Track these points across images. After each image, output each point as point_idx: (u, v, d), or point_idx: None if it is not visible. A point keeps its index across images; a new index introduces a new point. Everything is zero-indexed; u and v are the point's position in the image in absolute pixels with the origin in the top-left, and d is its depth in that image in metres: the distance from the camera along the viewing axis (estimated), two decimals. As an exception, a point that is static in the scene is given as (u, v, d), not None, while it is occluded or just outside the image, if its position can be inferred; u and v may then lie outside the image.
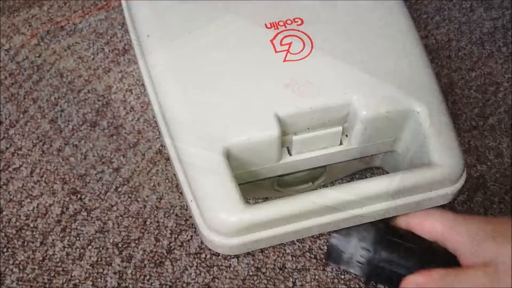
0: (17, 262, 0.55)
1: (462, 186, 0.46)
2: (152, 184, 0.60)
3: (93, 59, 0.69)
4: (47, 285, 0.54)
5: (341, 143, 0.47)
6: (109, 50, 0.69)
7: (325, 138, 0.46)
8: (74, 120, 0.63)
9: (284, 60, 0.46)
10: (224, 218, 0.41)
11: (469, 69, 0.70)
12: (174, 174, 0.60)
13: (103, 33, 0.71)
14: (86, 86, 0.66)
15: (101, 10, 0.73)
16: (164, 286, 0.54)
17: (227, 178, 0.41)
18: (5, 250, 0.55)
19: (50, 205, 0.58)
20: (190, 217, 0.58)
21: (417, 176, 0.44)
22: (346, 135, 0.47)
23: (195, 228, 0.46)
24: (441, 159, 0.44)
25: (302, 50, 0.47)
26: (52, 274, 0.54)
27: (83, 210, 0.58)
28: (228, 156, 0.42)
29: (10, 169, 0.60)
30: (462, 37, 0.72)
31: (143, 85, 0.66)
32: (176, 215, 0.58)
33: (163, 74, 0.46)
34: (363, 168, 0.57)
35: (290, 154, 0.46)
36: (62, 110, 0.64)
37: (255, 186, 0.49)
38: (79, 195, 0.58)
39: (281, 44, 0.47)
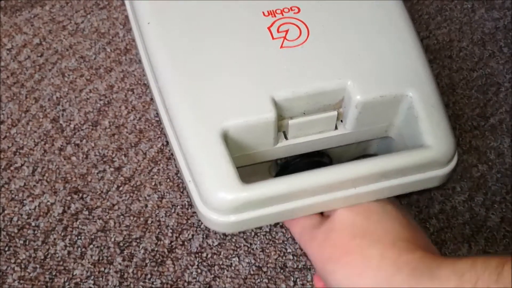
0: (18, 260, 0.55)
1: (453, 168, 0.47)
2: (153, 184, 0.60)
3: (94, 58, 0.69)
4: (48, 284, 0.54)
5: (336, 129, 0.48)
6: (110, 50, 0.69)
7: (320, 122, 0.47)
8: (76, 119, 0.64)
9: (281, 47, 0.47)
10: (221, 196, 0.42)
11: (470, 69, 0.70)
12: (177, 172, 0.60)
13: (104, 33, 0.71)
14: (88, 86, 0.66)
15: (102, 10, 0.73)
16: (165, 285, 0.54)
17: (225, 158, 0.43)
18: (6, 248, 0.55)
19: (51, 204, 0.58)
20: (191, 216, 0.58)
21: (410, 157, 0.45)
22: (341, 121, 0.48)
23: (194, 208, 0.46)
24: (433, 140, 0.45)
25: (298, 37, 0.48)
26: (54, 273, 0.54)
27: (85, 209, 0.58)
28: (226, 138, 0.44)
29: (12, 168, 0.60)
30: (463, 38, 0.72)
31: (144, 84, 0.66)
32: (178, 214, 0.58)
33: (163, 60, 0.47)
34: (359, 155, 0.58)
35: (286, 138, 0.47)
36: (64, 109, 0.64)
37: (251, 171, 0.49)
38: (80, 194, 0.59)
39: (278, 31, 0.48)
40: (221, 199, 0.42)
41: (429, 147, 0.45)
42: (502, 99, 0.67)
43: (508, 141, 0.64)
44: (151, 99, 0.65)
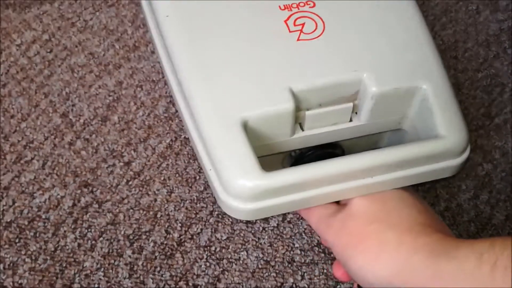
0: (29, 252, 0.55)
1: (466, 159, 0.48)
2: (162, 178, 0.60)
3: (103, 55, 0.69)
4: (59, 275, 0.54)
5: (351, 121, 0.49)
6: (119, 47, 0.70)
7: (336, 114, 0.48)
8: (85, 114, 0.64)
9: (298, 39, 0.48)
10: (242, 184, 0.43)
11: (475, 70, 0.70)
12: (186, 167, 0.60)
13: (113, 30, 0.72)
14: (97, 82, 0.67)
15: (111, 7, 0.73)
16: (174, 278, 0.55)
17: (246, 146, 0.44)
18: (17, 240, 0.56)
19: (62, 197, 0.58)
20: (200, 210, 0.58)
21: (426, 146, 0.46)
22: (356, 113, 0.49)
23: (214, 197, 0.47)
24: (447, 131, 0.47)
25: (314, 30, 0.49)
26: (64, 265, 0.55)
27: (95, 202, 0.58)
28: (245, 127, 0.45)
29: (22, 161, 0.60)
30: (468, 39, 0.73)
31: (153, 81, 0.67)
32: (186, 208, 0.58)
33: (182, 53, 0.48)
34: (369, 149, 0.59)
35: (302, 129, 0.48)
36: (73, 104, 0.65)
37: (264, 163, 0.51)
38: (90, 188, 0.59)
39: (294, 25, 0.49)
40: (242, 186, 0.43)
41: (444, 137, 0.46)
42: (506, 99, 0.68)
43: (512, 141, 0.65)
44: (160, 95, 0.66)
